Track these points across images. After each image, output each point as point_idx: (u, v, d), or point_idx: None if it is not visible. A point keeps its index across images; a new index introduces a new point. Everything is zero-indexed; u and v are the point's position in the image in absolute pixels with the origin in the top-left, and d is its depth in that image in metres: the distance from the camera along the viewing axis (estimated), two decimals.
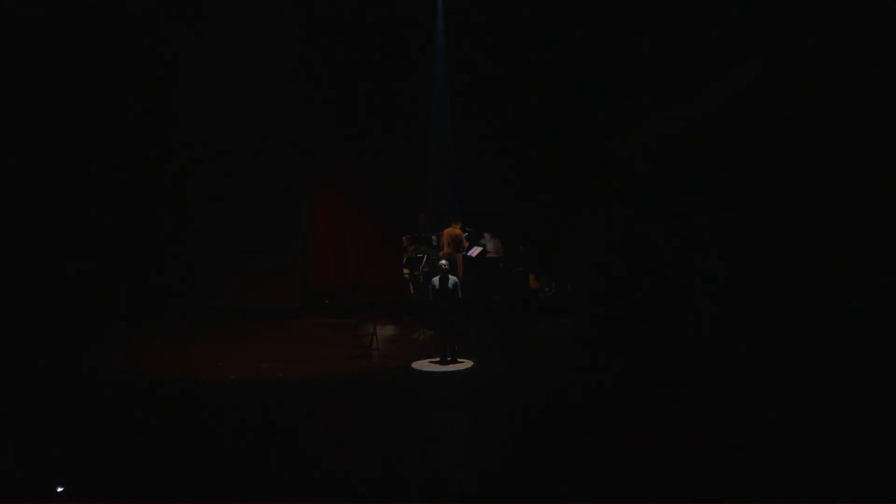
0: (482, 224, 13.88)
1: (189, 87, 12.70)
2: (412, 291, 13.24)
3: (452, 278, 9.53)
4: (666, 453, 5.76)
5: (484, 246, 13.49)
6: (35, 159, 11.44)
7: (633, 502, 5.02)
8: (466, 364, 9.19)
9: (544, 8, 12.65)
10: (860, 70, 7.71)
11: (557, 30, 12.65)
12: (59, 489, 5.17)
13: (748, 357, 8.28)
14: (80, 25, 11.57)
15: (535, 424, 6.63)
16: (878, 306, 7.27)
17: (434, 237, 13.38)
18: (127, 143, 12.30)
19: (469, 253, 12.98)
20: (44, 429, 6.45)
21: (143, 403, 7.34)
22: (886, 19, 7.50)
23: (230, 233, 12.53)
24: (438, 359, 9.21)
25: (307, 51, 13.30)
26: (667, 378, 7.96)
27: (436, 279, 9.50)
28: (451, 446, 6.12)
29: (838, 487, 5.08)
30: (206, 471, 5.52)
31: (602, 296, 10.99)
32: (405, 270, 13.25)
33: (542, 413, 6.97)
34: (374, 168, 14.02)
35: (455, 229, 12.67)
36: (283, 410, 7.20)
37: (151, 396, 7.60)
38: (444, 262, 9.95)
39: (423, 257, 12.97)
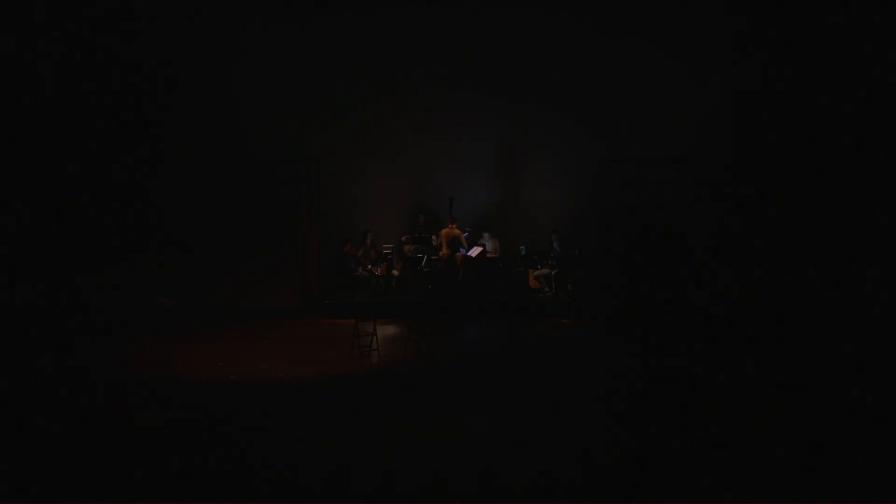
0: (479, 224, 13.93)
1: (188, 86, 12.72)
2: (412, 290, 13.25)
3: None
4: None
5: (484, 246, 13.51)
6: (33, 156, 11.41)
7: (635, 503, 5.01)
8: (467, 363, 9.20)
9: None
10: None
11: None
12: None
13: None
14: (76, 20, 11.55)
15: (542, 424, 6.64)
16: None
17: (434, 237, 13.39)
18: (126, 141, 12.30)
19: (469, 253, 12.99)
20: (39, 427, 6.45)
21: (142, 403, 7.33)
22: None
23: (230, 232, 12.55)
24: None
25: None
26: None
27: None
28: (454, 446, 6.10)
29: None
30: (205, 471, 5.51)
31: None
32: (402, 271, 13.25)
33: (545, 413, 6.99)
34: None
35: (453, 230, 12.67)
36: (283, 410, 7.19)
37: (150, 396, 7.59)
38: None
39: (422, 257, 12.97)
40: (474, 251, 13.16)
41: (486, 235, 13.89)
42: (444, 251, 12.68)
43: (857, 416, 6.49)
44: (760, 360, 8.61)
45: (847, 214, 10.56)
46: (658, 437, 6.13)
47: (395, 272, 13.25)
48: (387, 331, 10.86)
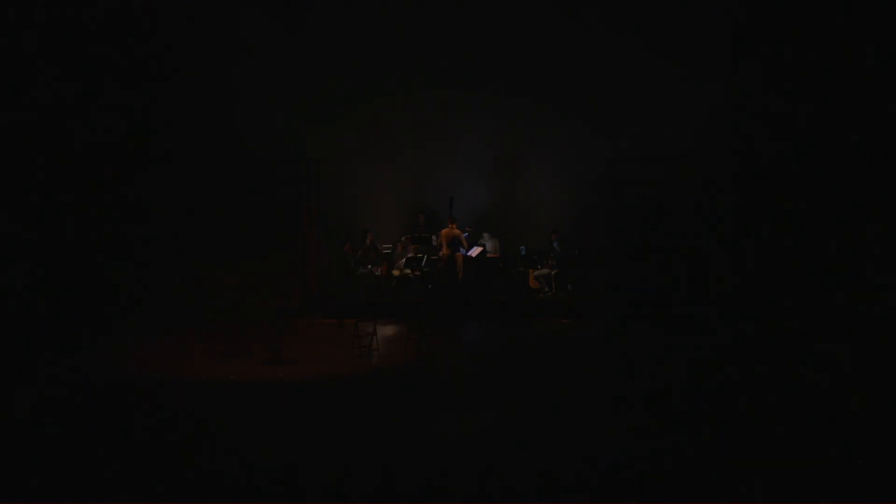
0: (479, 224, 13.93)
1: (187, 86, 12.72)
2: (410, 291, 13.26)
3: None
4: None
5: (484, 246, 13.50)
6: (28, 157, 11.38)
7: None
8: (467, 363, 9.21)
9: None
10: None
11: None
12: None
13: None
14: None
15: (542, 424, 6.64)
16: None
17: (434, 237, 13.39)
18: (124, 141, 12.28)
19: (469, 253, 12.99)
20: (40, 428, 6.45)
21: (142, 403, 7.32)
22: None
23: (230, 232, 12.54)
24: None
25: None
26: None
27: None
28: (454, 446, 6.10)
29: None
30: (205, 471, 5.51)
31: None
32: (403, 271, 13.25)
33: (545, 413, 6.98)
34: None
35: (453, 230, 12.66)
36: (283, 410, 7.19)
37: (150, 396, 7.59)
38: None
39: (423, 257, 12.98)
40: (474, 251, 13.16)
41: (486, 235, 13.88)
42: (444, 251, 12.68)
43: (858, 416, 6.49)
44: (763, 359, 8.62)
45: (849, 213, 10.57)
46: (659, 437, 6.13)
47: (396, 272, 13.25)
48: (387, 331, 10.85)
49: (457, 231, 12.73)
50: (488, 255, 13.54)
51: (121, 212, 12.27)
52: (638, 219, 12.51)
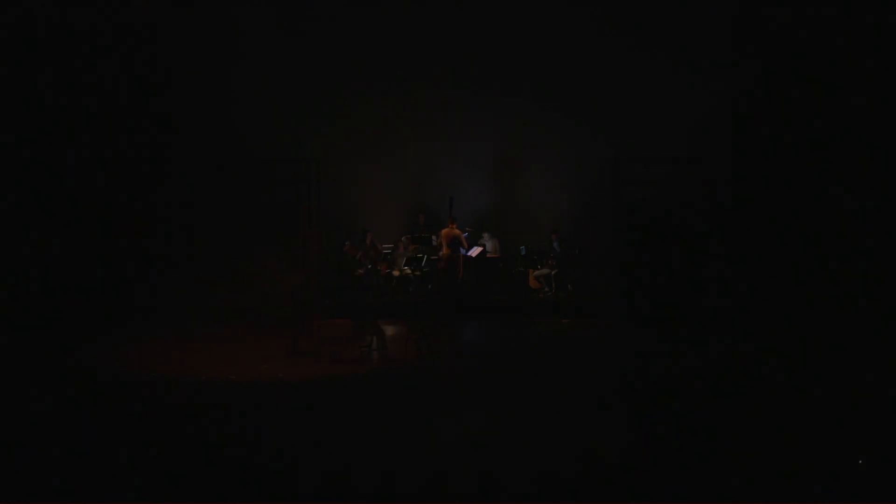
0: (479, 224, 13.93)
1: (187, 86, 12.72)
2: (411, 290, 13.26)
3: None
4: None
5: (484, 246, 13.51)
6: (29, 154, 11.37)
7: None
8: (467, 363, 9.21)
9: None
10: None
11: None
12: None
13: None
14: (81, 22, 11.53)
15: (543, 424, 6.64)
16: None
17: (434, 237, 13.39)
18: (124, 141, 12.28)
19: (469, 253, 12.99)
20: (39, 428, 6.45)
21: (141, 403, 7.32)
22: None
23: (230, 232, 12.54)
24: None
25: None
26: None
27: None
28: (454, 446, 6.10)
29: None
30: (206, 471, 5.51)
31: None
32: (403, 271, 13.24)
33: (546, 413, 6.99)
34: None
35: (453, 230, 12.66)
36: (283, 410, 7.19)
37: (149, 396, 7.59)
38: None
39: (423, 257, 12.98)
40: (474, 251, 13.16)
41: (486, 235, 13.88)
42: (444, 251, 12.68)
43: (858, 416, 6.49)
44: (763, 358, 8.62)
45: (850, 213, 10.58)
46: (659, 436, 6.13)
47: (396, 272, 13.24)
48: (387, 331, 10.85)
49: (457, 231, 12.72)
50: (488, 255, 13.55)
51: (120, 212, 12.26)
52: (638, 219, 12.51)
